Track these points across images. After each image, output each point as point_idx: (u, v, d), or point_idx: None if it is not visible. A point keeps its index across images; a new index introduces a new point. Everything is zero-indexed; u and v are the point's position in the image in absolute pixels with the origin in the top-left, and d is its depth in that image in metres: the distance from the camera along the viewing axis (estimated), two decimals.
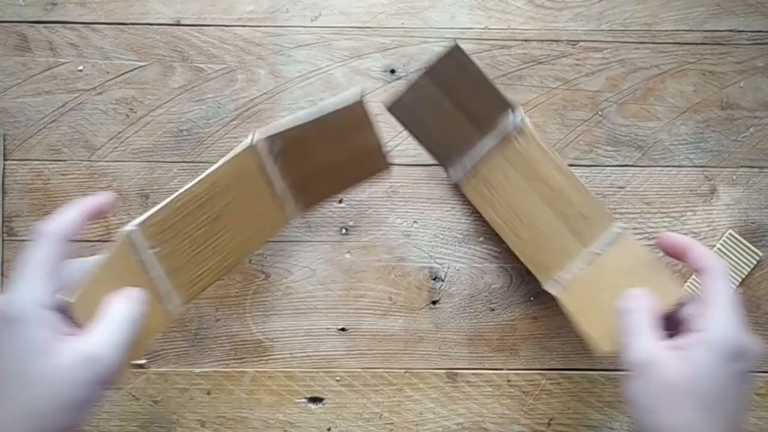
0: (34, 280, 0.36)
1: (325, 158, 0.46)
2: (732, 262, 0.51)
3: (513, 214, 0.48)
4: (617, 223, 0.46)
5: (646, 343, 0.38)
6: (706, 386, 0.35)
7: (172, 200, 0.42)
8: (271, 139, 0.44)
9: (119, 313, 0.37)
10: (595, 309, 0.44)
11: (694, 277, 0.51)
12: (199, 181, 0.43)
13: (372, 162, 0.47)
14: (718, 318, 0.37)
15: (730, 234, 0.51)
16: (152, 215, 0.41)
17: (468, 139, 0.48)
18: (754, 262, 0.51)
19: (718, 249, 0.51)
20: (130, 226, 0.40)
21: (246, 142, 0.44)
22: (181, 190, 0.42)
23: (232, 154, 0.44)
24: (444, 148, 0.48)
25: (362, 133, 0.46)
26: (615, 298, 0.42)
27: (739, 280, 0.51)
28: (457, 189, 0.52)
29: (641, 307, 0.40)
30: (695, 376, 0.36)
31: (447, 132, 0.47)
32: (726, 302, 0.38)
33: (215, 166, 0.43)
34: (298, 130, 0.44)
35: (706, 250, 0.40)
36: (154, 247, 0.42)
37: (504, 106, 0.47)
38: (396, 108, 0.46)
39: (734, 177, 0.52)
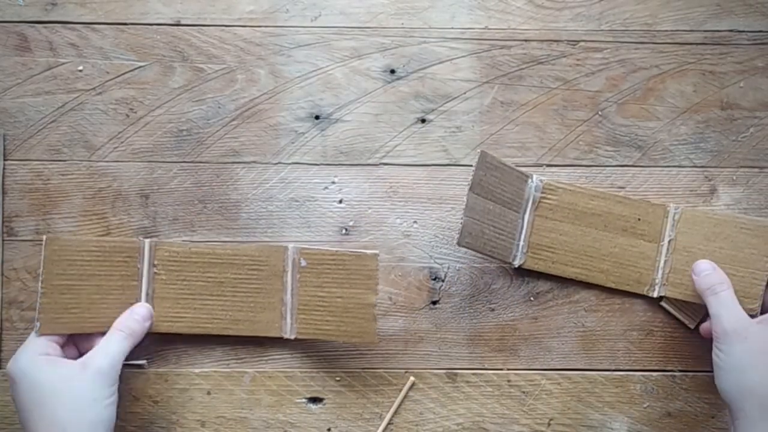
0: (32, 339, 0.46)
1: (330, 295, 0.49)
2: None
3: (583, 257, 0.51)
4: (670, 205, 0.50)
5: (737, 314, 0.45)
6: None
7: (194, 244, 0.49)
8: (301, 253, 0.49)
9: (114, 335, 0.46)
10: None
11: None
12: (224, 246, 0.49)
13: (362, 326, 0.48)
14: None
15: None
16: (171, 244, 0.49)
17: (513, 224, 0.50)
18: None
19: None
20: (147, 239, 0.48)
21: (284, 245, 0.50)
22: (204, 244, 0.49)
23: (266, 245, 0.50)
24: (503, 246, 0.49)
25: (365, 288, 0.48)
26: (716, 261, 0.48)
27: None
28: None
29: (723, 284, 0.46)
30: None
31: (500, 229, 0.49)
32: None
33: (247, 245, 0.50)
34: (320, 254, 0.49)
35: None
36: (156, 266, 0.48)
37: (522, 178, 0.50)
38: (464, 238, 0.46)
39: (734, 177, 0.52)
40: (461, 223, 0.46)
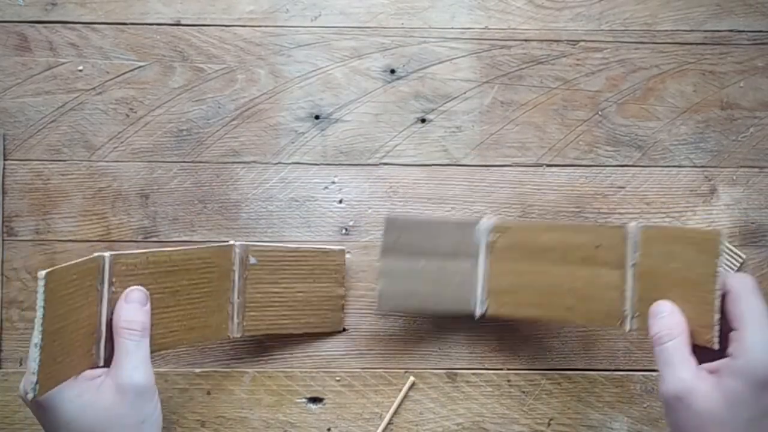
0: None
1: (288, 291, 0.48)
2: None
3: (546, 295, 0.46)
4: (628, 225, 0.44)
5: (680, 374, 0.37)
6: (741, 416, 0.35)
7: (148, 252, 0.43)
8: (249, 250, 0.47)
9: (127, 338, 0.41)
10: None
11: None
12: (178, 250, 0.44)
13: (327, 316, 0.50)
14: (751, 342, 0.35)
15: None
16: (126, 255, 0.42)
17: (463, 274, 0.48)
18: (738, 265, 0.51)
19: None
20: (107, 253, 0.41)
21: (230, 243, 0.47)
22: (158, 249, 0.44)
23: (215, 246, 0.47)
24: (454, 299, 0.48)
25: (332, 282, 0.49)
26: (677, 286, 0.41)
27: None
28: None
29: (671, 333, 0.39)
30: (729, 406, 0.35)
31: (444, 283, 0.47)
32: (757, 324, 0.36)
33: (198, 246, 0.46)
34: (276, 252, 0.48)
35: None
36: (113, 284, 0.42)
37: (462, 226, 0.48)
38: (386, 303, 0.47)
39: (734, 177, 0.52)
40: (378, 291, 0.47)
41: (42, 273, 0.36)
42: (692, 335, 0.39)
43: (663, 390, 0.38)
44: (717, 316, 0.38)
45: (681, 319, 0.40)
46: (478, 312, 0.48)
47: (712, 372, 0.36)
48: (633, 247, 0.44)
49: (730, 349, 0.36)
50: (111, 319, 0.41)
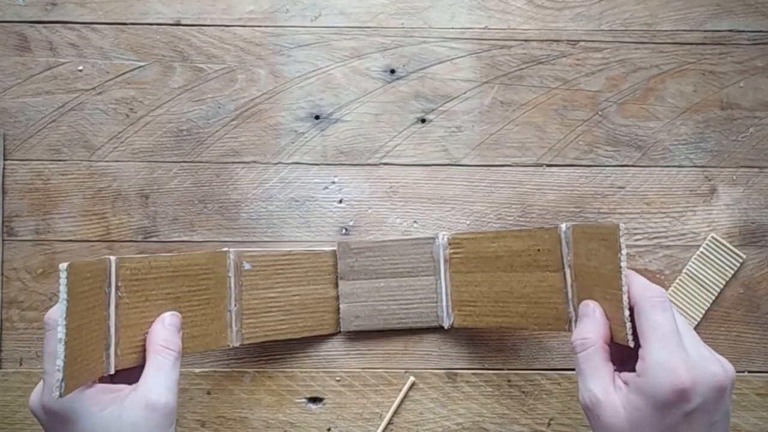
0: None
1: (283, 294, 0.49)
2: (715, 266, 0.51)
3: (500, 303, 0.47)
4: (560, 225, 0.44)
5: (589, 386, 0.37)
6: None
7: (151, 258, 0.43)
8: (243, 255, 0.48)
9: (164, 357, 0.40)
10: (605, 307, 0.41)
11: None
12: (177, 255, 0.45)
13: (324, 318, 0.50)
14: (652, 362, 0.35)
15: (712, 237, 0.51)
16: (131, 259, 0.42)
17: (426, 290, 0.50)
18: (738, 265, 0.51)
19: (701, 253, 0.51)
20: (113, 257, 0.41)
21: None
22: (159, 255, 0.44)
23: (211, 251, 0.47)
24: (420, 314, 0.50)
25: (325, 283, 0.50)
26: (597, 285, 0.40)
27: (723, 283, 0.51)
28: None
29: (585, 342, 0.38)
30: (632, 424, 0.35)
31: (407, 300, 0.49)
32: (659, 342, 0.35)
33: (194, 252, 0.46)
34: (269, 256, 0.49)
35: (639, 280, 0.38)
36: (119, 288, 0.41)
37: (422, 243, 0.50)
38: (349, 324, 0.49)
39: (734, 177, 0.52)
40: (340, 313, 0.48)
41: (63, 265, 0.35)
42: (613, 334, 0.39)
43: (579, 398, 0.38)
44: (627, 313, 0.37)
45: (599, 321, 0.39)
46: (446, 324, 0.50)
47: (625, 382, 0.36)
48: (567, 247, 0.43)
49: (637, 366, 0.36)
50: (118, 325, 0.40)
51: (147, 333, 0.42)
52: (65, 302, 0.35)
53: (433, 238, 0.50)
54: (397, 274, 0.50)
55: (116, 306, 0.40)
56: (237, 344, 0.48)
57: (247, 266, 0.48)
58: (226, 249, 0.48)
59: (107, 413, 0.37)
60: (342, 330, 0.50)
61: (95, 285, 0.39)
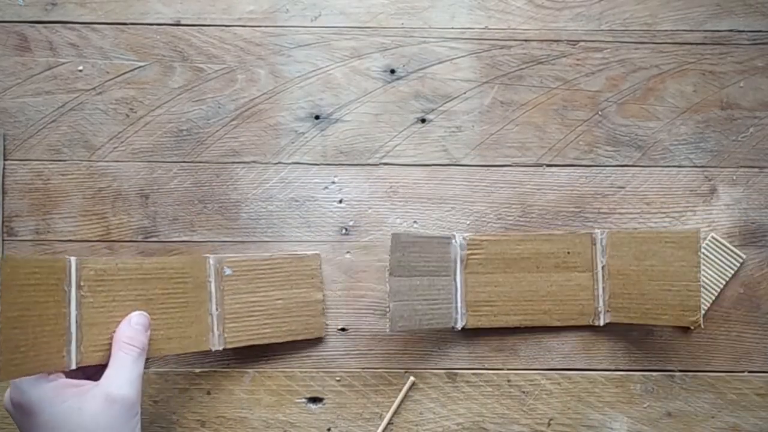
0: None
1: (266, 299, 0.49)
2: (715, 266, 0.51)
3: (522, 303, 0.50)
4: (596, 231, 0.49)
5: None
6: None
7: (119, 260, 0.44)
8: (223, 261, 0.48)
9: (126, 353, 0.42)
10: (647, 302, 0.48)
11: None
12: (150, 259, 0.46)
13: (309, 322, 0.50)
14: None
15: (712, 237, 0.51)
16: (96, 260, 0.43)
17: (446, 290, 0.49)
18: (738, 265, 0.51)
19: (701, 253, 0.51)
20: (72, 258, 0.42)
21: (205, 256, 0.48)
22: (131, 259, 0.45)
23: (189, 256, 0.48)
24: (441, 314, 0.49)
25: (309, 287, 0.50)
26: (651, 280, 0.48)
27: (723, 283, 0.51)
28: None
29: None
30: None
31: (432, 300, 0.49)
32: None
33: (170, 256, 0.47)
34: (250, 261, 0.49)
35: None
36: (82, 288, 0.43)
37: (444, 242, 0.50)
38: (396, 324, 0.47)
39: (734, 177, 0.52)
40: (388, 310, 0.47)
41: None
42: (677, 320, 0.47)
43: None
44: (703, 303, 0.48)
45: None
46: (459, 325, 0.50)
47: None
48: (602, 250, 0.50)
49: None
50: (81, 323, 0.42)
51: (113, 331, 0.43)
52: None
53: (450, 238, 0.50)
54: (428, 273, 0.49)
55: (78, 305, 0.42)
56: (220, 348, 0.48)
57: (228, 271, 0.48)
58: (207, 255, 0.49)
59: (68, 405, 0.39)
60: (389, 331, 0.47)
61: (48, 281, 0.40)
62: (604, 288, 0.50)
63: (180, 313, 0.46)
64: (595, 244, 0.50)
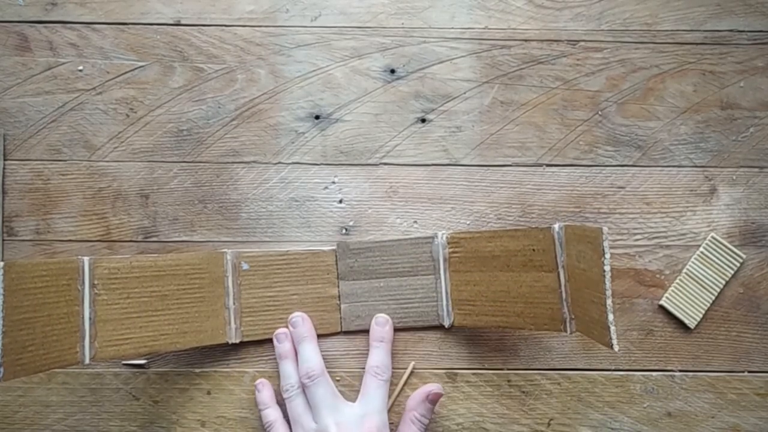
0: None
1: (282, 294, 0.49)
2: (715, 266, 0.51)
3: (498, 303, 0.47)
4: (553, 225, 0.44)
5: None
6: None
7: (132, 257, 0.46)
8: (241, 256, 0.49)
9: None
10: (586, 311, 0.41)
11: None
12: (165, 256, 0.47)
13: (324, 318, 0.50)
14: None
15: (712, 237, 0.51)
16: (109, 259, 0.45)
17: (427, 288, 0.50)
18: (738, 265, 0.51)
19: (701, 253, 0.51)
20: (86, 258, 0.44)
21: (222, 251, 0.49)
22: (145, 256, 0.46)
23: (205, 252, 0.49)
24: (420, 313, 0.50)
25: (325, 282, 0.50)
26: (586, 287, 0.40)
27: (723, 283, 0.51)
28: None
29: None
30: None
31: (406, 300, 0.50)
32: None
33: (186, 253, 0.48)
34: (267, 256, 0.49)
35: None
36: (96, 286, 0.44)
37: (423, 241, 0.50)
38: (350, 323, 0.50)
39: (734, 177, 0.52)
40: (341, 313, 0.49)
41: (0, 264, 0.39)
42: (597, 338, 0.39)
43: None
44: (611, 317, 0.37)
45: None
46: (447, 323, 0.50)
47: None
48: (560, 247, 0.44)
49: None
50: (95, 319, 0.44)
51: (128, 327, 0.45)
52: (0, 297, 0.39)
53: (432, 238, 0.50)
54: (397, 274, 0.50)
55: (92, 302, 0.44)
56: (237, 341, 0.49)
57: (245, 266, 0.49)
58: (224, 250, 0.49)
59: None
60: (343, 329, 0.50)
61: (58, 282, 0.42)
62: (566, 291, 0.43)
63: (196, 308, 0.47)
64: (555, 240, 0.44)
